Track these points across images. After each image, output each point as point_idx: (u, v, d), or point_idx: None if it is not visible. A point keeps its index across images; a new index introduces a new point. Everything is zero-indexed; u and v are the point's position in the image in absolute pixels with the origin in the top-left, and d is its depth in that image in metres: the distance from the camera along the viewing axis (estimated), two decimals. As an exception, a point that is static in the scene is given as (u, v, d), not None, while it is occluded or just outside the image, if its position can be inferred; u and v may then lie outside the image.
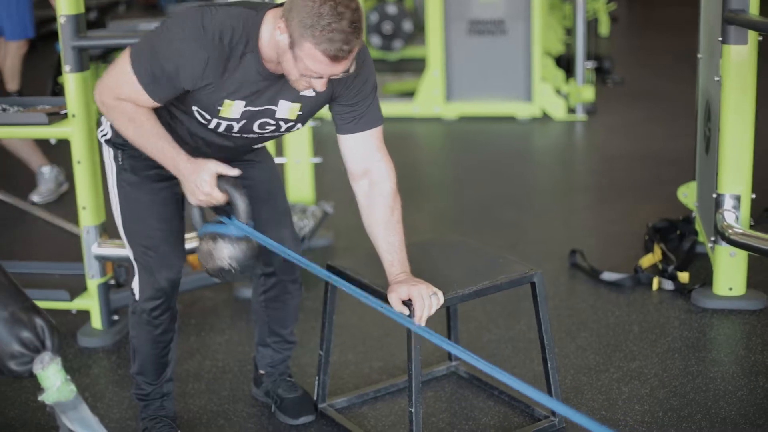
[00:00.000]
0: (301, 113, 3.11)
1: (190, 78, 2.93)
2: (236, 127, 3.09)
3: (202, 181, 2.94)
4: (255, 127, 3.10)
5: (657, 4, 15.67)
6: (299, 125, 3.18)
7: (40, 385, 2.34)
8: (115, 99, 3.01)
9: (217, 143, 3.17)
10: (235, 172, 3.01)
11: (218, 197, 2.97)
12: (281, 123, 3.11)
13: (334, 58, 2.77)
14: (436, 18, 8.29)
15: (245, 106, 3.03)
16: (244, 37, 2.92)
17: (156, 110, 3.09)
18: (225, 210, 3.05)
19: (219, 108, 3.02)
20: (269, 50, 2.92)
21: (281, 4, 2.96)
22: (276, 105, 3.05)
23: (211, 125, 3.08)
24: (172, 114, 3.12)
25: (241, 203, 2.98)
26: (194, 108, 3.04)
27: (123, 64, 3.00)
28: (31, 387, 3.92)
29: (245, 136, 3.14)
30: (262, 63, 2.96)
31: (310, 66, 2.80)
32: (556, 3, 11.16)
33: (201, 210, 3.07)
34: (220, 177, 2.97)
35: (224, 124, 3.07)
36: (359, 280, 3.33)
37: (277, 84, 3.01)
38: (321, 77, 2.85)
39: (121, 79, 3.00)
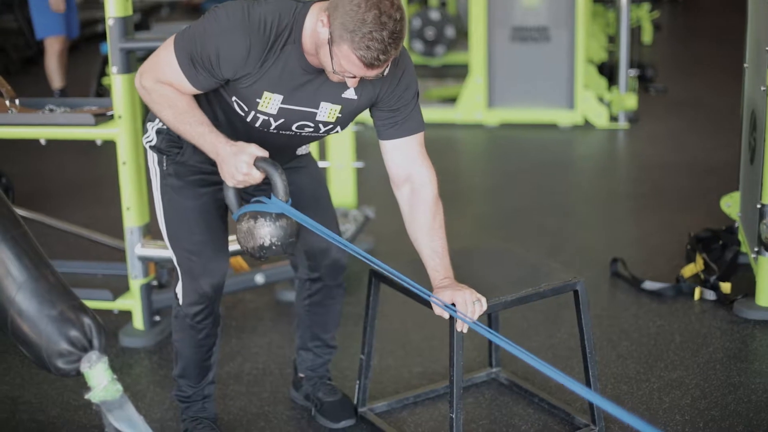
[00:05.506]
0: (340, 116, 3.12)
1: (230, 66, 2.95)
2: (273, 124, 3.09)
3: (240, 161, 2.94)
4: (293, 127, 3.12)
5: (701, 12, 15.60)
6: (338, 128, 3.19)
7: (87, 383, 2.37)
8: (156, 83, 3.03)
9: (256, 141, 3.15)
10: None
11: (256, 176, 2.97)
12: (320, 125, 3.13)
13: (369, 65, 2.80)
14: (480, 24, 8.29)
15: (282, 102, 3.03)
16: (288, 27, 2.94)
17: (197, 102, 3.12)
18: (261, 190, 3.06)
19: (258, 100, 3.03)
20: (309, 42, 2.93)
21: None
22: (317, 108, 3.07)
23: (248, 118, 3.08)
24: (212, 107, 3.13)
25: (279, 181, 2.98)
26: (233, 99, 3.05)
27: (166, 49, 3.03)
28: (73, 386, 3.95)
29: (282, 133, 3.14)
30: (303, 55, 2.97)
31: (345, 66, 2.83)
32: (599, 10, 11.14)
33: (237, 192, 3.07)
34: (258, 157, 2.97)
35: (261, 118, 3.07)
36: (402, 284, 3.33)
37: (317, 80, 3.02)
38: (354, 77, 2.87)
39: (163, 64, 3.02)
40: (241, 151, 2.95)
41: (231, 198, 3.07)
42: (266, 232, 3.00)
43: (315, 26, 2.90)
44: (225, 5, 2.98)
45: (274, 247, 3.02)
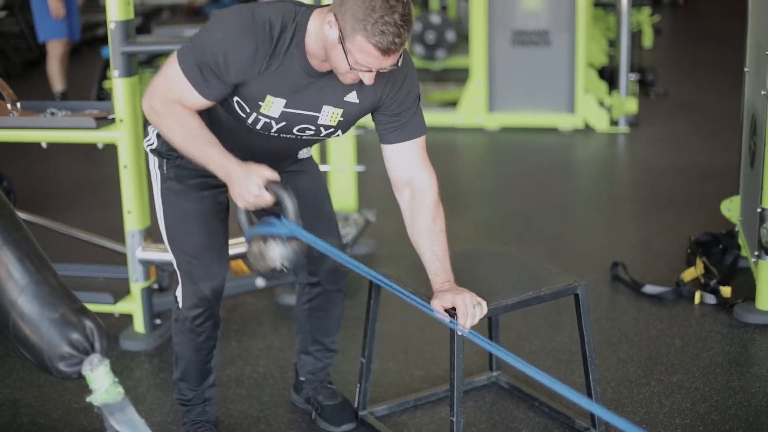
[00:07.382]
0: (342, 119, 3.12)
1: (239, 69, 2.93)
2: (275, 127, 3.09)
3: (251, 183, 2.92)
4: (294, 130, 3.12)
5: (701, 16, 15.61)
6: (339, 132, 3.19)
7: (88, 386, 2.37)
8: (165, 102, 3.00)
9: (256, 144, 3.16)
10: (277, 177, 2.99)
11: (267, 199, 2.95)
12: (321, 129, 3.13)
13: (385, 51, 2.80)
14: (480, 28, 8.29)
15: (285, 106, 3.04)
16: (291, 29, 2.94)
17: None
18: (272, 212, 3.06)
19: (261, 103, 3.03)
20: (315, 46, 2.94)
21: (327, 5, 2.98)
22: (319, 111, 3.07)
23: (249, 120, 3.07)
24: (211, 113, 3.11)
25: (289, 203, 2.98)
26: (235, 99, 3.03)
27: (171, 65, 3.00)
28: (74, 389, 3.96)
29: (283, 136, 3.14)
30: (306, 58, 2.97)
31: (360, 59, 2.83)
32: (599, 14, 11.14)
33: (248, 213, 3.07)
34: (269, 179, 2.95)
35: (262, 121, 3.07)
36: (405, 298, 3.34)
37: (319, 82, 3.02)
38: (370, 70, 2.87)
39: (171, 81, 3.00)
40: (251, 173, 2.93)
41: (242, 220, 3.06)
42: (277, 255, 2.98)
43: (321, 29, 2.90)
44: (228, 10, 2.98)
45: (284, 270, 3.01)
